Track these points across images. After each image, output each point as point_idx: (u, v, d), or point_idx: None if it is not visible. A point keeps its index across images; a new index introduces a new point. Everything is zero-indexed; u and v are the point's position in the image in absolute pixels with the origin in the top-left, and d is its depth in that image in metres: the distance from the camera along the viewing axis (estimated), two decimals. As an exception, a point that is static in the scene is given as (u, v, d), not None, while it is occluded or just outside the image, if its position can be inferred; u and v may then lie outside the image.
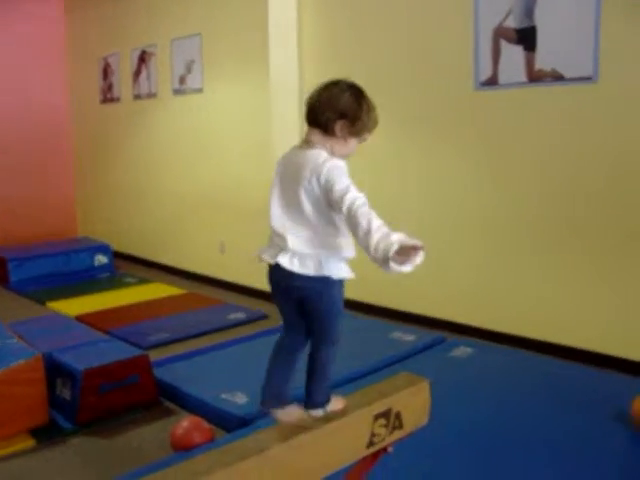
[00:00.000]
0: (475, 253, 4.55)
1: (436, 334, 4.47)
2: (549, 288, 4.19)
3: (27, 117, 7.98)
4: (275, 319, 5.13)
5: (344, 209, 1.76)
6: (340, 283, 1.96)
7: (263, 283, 6.53)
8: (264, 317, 5.21)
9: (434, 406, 2.27)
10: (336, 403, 2.03)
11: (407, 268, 1.68)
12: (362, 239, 1.71)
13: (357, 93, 1.94)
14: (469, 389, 3.53)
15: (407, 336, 4.36)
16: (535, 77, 4.09)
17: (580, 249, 4.03)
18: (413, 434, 2.24)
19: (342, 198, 1.76)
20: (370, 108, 1.95)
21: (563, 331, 4.13)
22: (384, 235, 1.67)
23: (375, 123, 1.97)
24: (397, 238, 1.65)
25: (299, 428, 1.81)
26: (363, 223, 1.70)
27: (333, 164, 1.84)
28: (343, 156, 1.94)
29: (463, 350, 4.10)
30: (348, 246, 1.94)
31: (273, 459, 1.65)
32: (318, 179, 1.83)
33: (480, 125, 4.41)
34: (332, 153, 1.91)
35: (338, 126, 1.90)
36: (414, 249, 1.65)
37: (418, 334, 4.42)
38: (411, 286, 4.68)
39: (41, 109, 8.15)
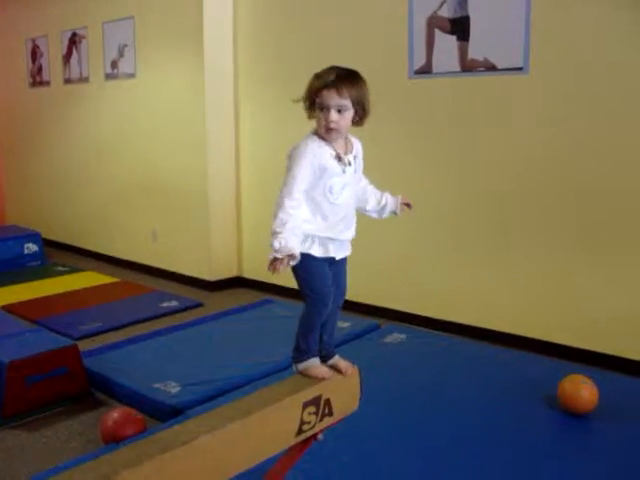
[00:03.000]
0: (405, 240, 4.59)
1: (371, 321, 4.50)
2: (478, 274, 4.26)
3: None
4: (209, 307, 5.09)
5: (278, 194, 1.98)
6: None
7: (196, 270, 6.39)
8: (198, 305, 5.16)
9: (366, 392, 2.29)
10: (312, 369, 2.11)
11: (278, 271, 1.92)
12: (271, 228, 1.94)
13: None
14: (401, 375, 3.56)
15: (342, 323, 4.36)
16: (468, 67, 4.14)
17: (506, 236, 4.11)
18: (344, 420, 2.25)
19: (281, 188, 1.98)
20: (313, 77, 2.04)
21: (493, 316, 4.22)
22: (272, 237, 1.91)
23: (315, 82, 2.02)
24: (276, 246, 1.89)
25: (227, 418, 1.79)
26: (274, 220, 1.94)
27: (293, 149, 2.02)
28: (323, 130, 2.03)
29: (396, 337, 4.13)
30: (306, 224, 2.02)
31: (199, 449, 1.62)
32: None
33: (413, 113, 4.43)
34: (318, 131, 2.05)
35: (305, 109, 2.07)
36: (289, 257, 1.91)
37: (353, 321, 4.43)
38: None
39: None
